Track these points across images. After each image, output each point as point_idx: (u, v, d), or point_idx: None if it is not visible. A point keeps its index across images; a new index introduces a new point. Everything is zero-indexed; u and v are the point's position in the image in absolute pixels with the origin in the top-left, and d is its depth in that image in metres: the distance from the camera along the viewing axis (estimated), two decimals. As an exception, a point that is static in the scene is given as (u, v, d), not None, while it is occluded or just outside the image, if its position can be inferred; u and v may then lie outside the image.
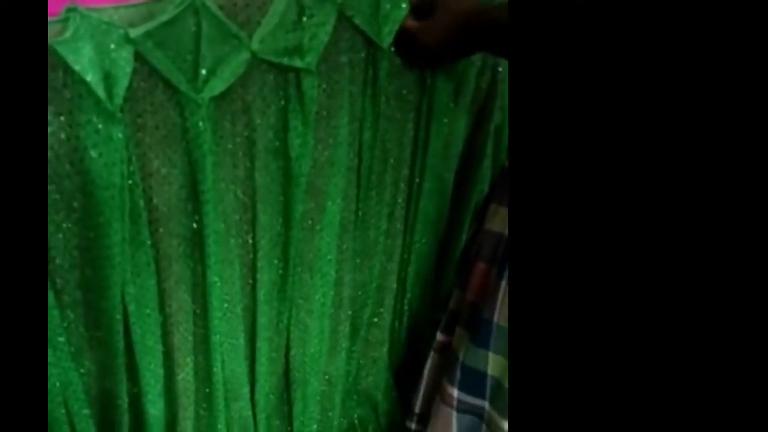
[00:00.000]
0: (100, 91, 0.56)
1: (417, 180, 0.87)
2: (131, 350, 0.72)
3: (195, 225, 0.70)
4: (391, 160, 0.84)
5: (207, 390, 0.82)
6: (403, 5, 0.71)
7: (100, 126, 0.58)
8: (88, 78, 0.55)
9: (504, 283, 0.73)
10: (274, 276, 0.81)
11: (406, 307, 0.99)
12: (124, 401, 0.75)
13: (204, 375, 0.81)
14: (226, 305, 0.78)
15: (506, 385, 0.76)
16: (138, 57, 0.58)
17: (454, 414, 0.82)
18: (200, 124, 0.63)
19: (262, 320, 0.82)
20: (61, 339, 0.67)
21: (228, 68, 0.63)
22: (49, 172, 0.59)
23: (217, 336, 0.77)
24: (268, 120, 0.70)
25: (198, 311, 0.76)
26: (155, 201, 0.67)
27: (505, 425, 0.78)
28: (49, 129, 0.57)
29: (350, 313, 0.92)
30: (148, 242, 0.67)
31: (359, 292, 0.92)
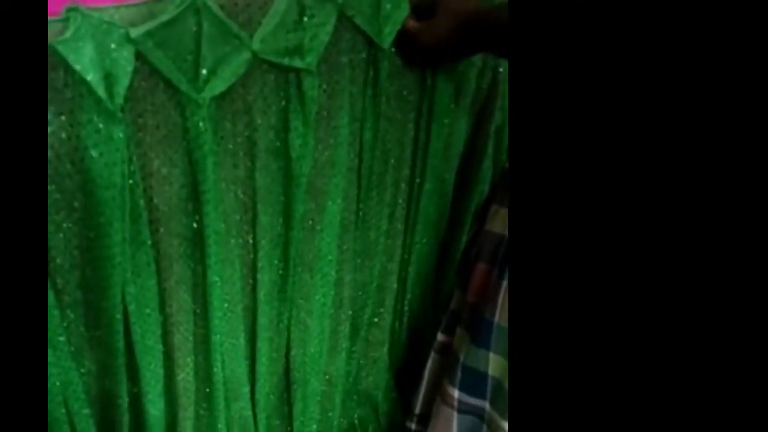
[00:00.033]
0: (101, 91, 0.56)
1: (417, 180, 0.87)
2: (131, 350, 0.72)
3: (195, 225, 0.70)
4: (392, 161, 0.84)
5: (207, 390, 0.82)
6: (404, 6, 0.71)
7: (100, 125, 0.58)
8: (89, 77, 0.55)
9: (505, 284, 0.73)
10: (275, 276, 0.81)
11: (406, 308, 0.99)
12: (124, 401, 0.75)
13: (204, 375, 0.81)
14: (226, 305, 0.78)
15: (507, 385, 0.76)
16: (139, 57, 0.58)
17: (455, 414, 0.81)
18: (201, 124, 0.63)
19: (263, 320, 0.82)
20: (62, 339, 0.67)
21: (229, 68, 0.63)
22: (50, 171, 0.59)
23: (218, 336, 0.77)
24: (269, 120, 0.70)
25: (198, 311, 0.76)
26: (156, 201, 0.67)
27: (506, 426, 0.77)
28: (50, 128, 0.57)
29: (350, 313, 0.92)
30: (149, 242, 0.67)
31: (360, 293, 0.92)
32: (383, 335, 0.99)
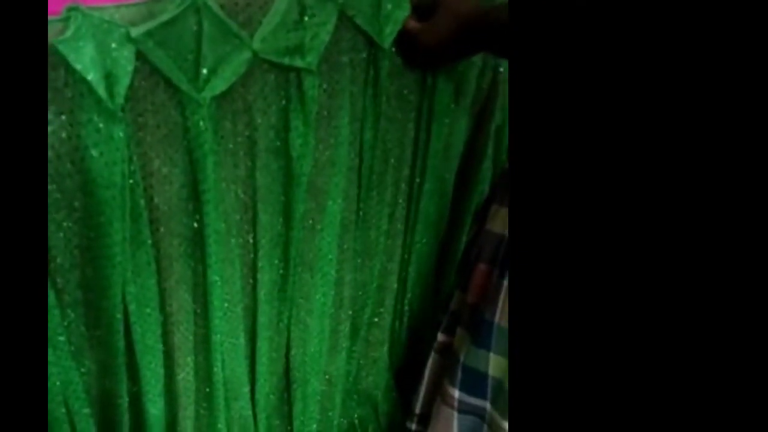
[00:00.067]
0: (101, 90, 0.56)
1: (418, 180, 0.87)
2: (132, 350, 0.72)
3: (196, 224, 0.70)
4: (392, 160, 0.84)
5: (207, 389, 0.82)
6: (405, 5, 0.71)
7: (101, 125, 0.58)
8: (89, 77, 0.55)
9: (505, 284, 0.73)
10: (275, 276, 0.81)
11: (406, 308, 0.99)
12: (124, 400, 0.75)
13: (204, 374, 0.81)
14: (226, 305, 0.78)
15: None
16: (139, 56, 0.58)
17: (455, 415, 0.81)
18: (201, 123, 0.63)
19: (263, 320, 0.82)
20: (62, 338, 0.67)
21: (229, 68, 0.63)
22: (50, 171, 0.59)
23: (218, 335, 0.77)
24: (269, 120, 0.70)
25: (198, 311, 0.76)
26: (156, 200, 0.67)
27: (507, 425, 0.77)
28: (50, 128, 0.57)
29: (351, 312, 0.92)
30: (149, 242, 0.67)
31: (360, 292, 0.92)
32: (383, 335, 0.99)
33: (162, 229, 0.69)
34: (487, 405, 0.79)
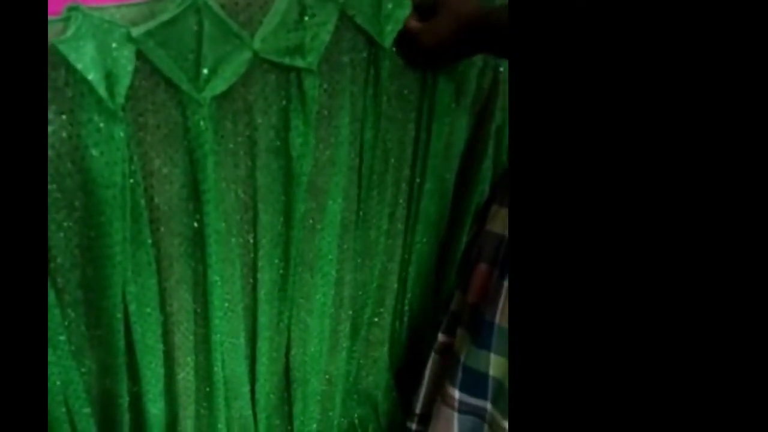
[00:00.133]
0: (102, 90, 0.56)
1: (418, 180, 0.87)
2: (132, 349, 0.72)
3: (196, 224, 0.70)
4: (392, 160, 0.84)
5: (207, 389, 0.82)
6: (405, 5, 0.71)
7: (101, 125, 0.58)
8: (90, 77, 0.55)
9: (505, 285, 0.73)
10: (275, 275, 0.81)
11: (406, 307, 0.99)
12: (124, 400, 0.75)
13: (204, 374, 0.81)
14: (226, 304, 0.78)
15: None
16: (139, 56, 0.58)
17: (455, 415, 0.81)
18: (201, 123, 0.63)
19: (263, 320, 0.82)
20: (62, 338, 0.67)
21: (229, 67, 0.63)
22: (51, 170, 0.59)
23: (218, 335, 0.77)
24: (270, 119, 0.70)
25: (199, 310, 0.76)
26: (156, 200, 0.67)
27: (508, 426, 0.77)
28: (51, 128, 0.57)
29: (351, 312, 0.92)
30: (149, 241, 0.67)
31: (360, 292, 0.92)
32: (383, 335, 0.99)
33: (162, 229, 0.69)
34: (488, 405, 0.79)
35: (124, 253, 0.65)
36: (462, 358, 0.79)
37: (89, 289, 0.67)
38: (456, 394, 0.80)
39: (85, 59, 0.55)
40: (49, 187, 0.60)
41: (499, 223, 0.76)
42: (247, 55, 0.63)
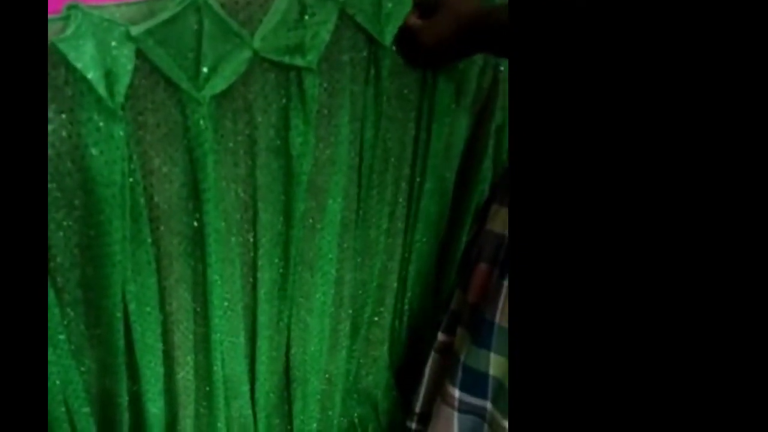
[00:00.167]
0: (101, 89, 0.56)
1: (418, 179, 0.87)
2: (131, 348, 0.72)
3: (196, 223, 0.70)
4: (392, 159, 0.83)
5: (207, 388, 0.82)
6: (406, 4, 0.71)
7: (101, 124, 0.58)
8: (90, 76, 0.55)
9: (506, 284, 0.72)
10: (275, 274, 0.81)
11: (406, 307, 0.99)
12: (124, 399, 0.75)
13: (204, 373, 0.81)
14: (226, 304, 0.78)
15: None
16: (139, 55, 0.58)
17: (455, 414, 0.81)
18: (201, 122, 0.63)
19: (263, 319, 0.82)
20: (62, 337, 0.67)
21: (229, 66, 0.63)
22: (50, 169, 0.59)
23: (218, 334, 0.77)
24: (270, 118, 0.70)
25: (198, 310, 0.76)
26: (156, 199, 0.67)
27: (508, 425, 0.77)
28: (50, 127, 0.57)
29: (351, 311, 0.92)
30: (149, 240, 0.67)
31: (360, 291, 0.92)
32: (383, 334, 0.99)
33: (162, 228, 0.69)
34: (488, 405, 0.79)
35: (124, 252, 0.65)
36: (462, 358, 0.79)
37: (89, 288, 0.67)
38: (456, 393, 0.80)
39: (84, 58, 0.55)
40: (49, 186, 0.60)
41: (499, 222, 0.76)
42: (247, 53, 0.63)
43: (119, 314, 0.68)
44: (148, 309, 0.71)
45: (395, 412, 1.06)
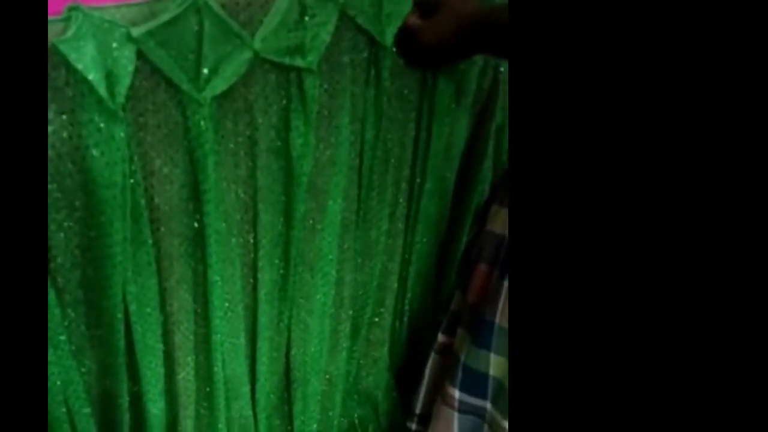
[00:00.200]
0: (102, 90, 0.56)
1: (418, 180, 0.87)
2: (132, 349, 0.72)
3: (196, 224, 0.70)
4: (393, 160, 0.84)
5: (208, 389, 0.82)
6: (406, 5, 0.71)
7: (101, 125, 0.58)
8: (90, 77, 0.55)
9: (506, 285, 0.72)
10: (275, 275, 0.81)
11: (406, 307, 0.99)
12: (124, 400, 0.75)
13: (205, 374, 0.81)
14: (227, 304, 0.78)
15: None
16: (140, 56, 0.58)
17: (456, 415, 0.81)
18: (202, 123, 0.63)
19: (263, 320, 0.82)
20: (62, 338, 0.67)
21: (230, 67, 0.63)
22: (51, 170, 0.59)
23: (218, 335, 0.77)
24: (270, 119, 0.70)
25: (199, 310, 0.76)
26: (157, 200, 0.67)
27: (508, 425, 0.77)
28: (51, 128, 0.57)
29: (351, 312, 0.92)
30: (150, 241, 0.67)
31: (360, 292, 0.92)
32: (384, 335, 0.99)
33: (162, 229, 0.69)
34: (488, 405, 0.79)
35: (125, 253, 0.65)
36: (462, 358, 0.79)
37: (89, 289, 0.67)
38: (456, 393, 0.80)
39: (85, 59, 0.55)
40: (50, 187, 0.60)
41: (499, 223, 0.76)
42: (247, 54, 0.63)
43: (120, 315, 0.68)
44: (148, 310, 0.71)
45: (395, 413, 1.06)
